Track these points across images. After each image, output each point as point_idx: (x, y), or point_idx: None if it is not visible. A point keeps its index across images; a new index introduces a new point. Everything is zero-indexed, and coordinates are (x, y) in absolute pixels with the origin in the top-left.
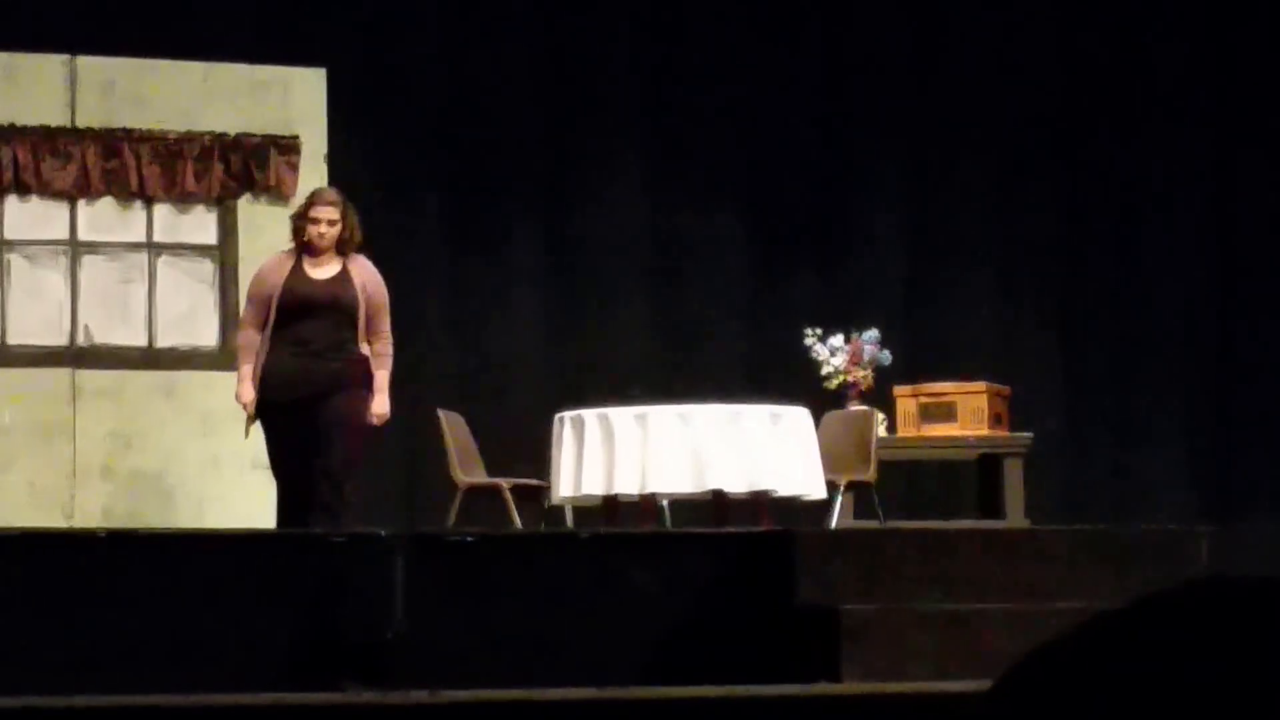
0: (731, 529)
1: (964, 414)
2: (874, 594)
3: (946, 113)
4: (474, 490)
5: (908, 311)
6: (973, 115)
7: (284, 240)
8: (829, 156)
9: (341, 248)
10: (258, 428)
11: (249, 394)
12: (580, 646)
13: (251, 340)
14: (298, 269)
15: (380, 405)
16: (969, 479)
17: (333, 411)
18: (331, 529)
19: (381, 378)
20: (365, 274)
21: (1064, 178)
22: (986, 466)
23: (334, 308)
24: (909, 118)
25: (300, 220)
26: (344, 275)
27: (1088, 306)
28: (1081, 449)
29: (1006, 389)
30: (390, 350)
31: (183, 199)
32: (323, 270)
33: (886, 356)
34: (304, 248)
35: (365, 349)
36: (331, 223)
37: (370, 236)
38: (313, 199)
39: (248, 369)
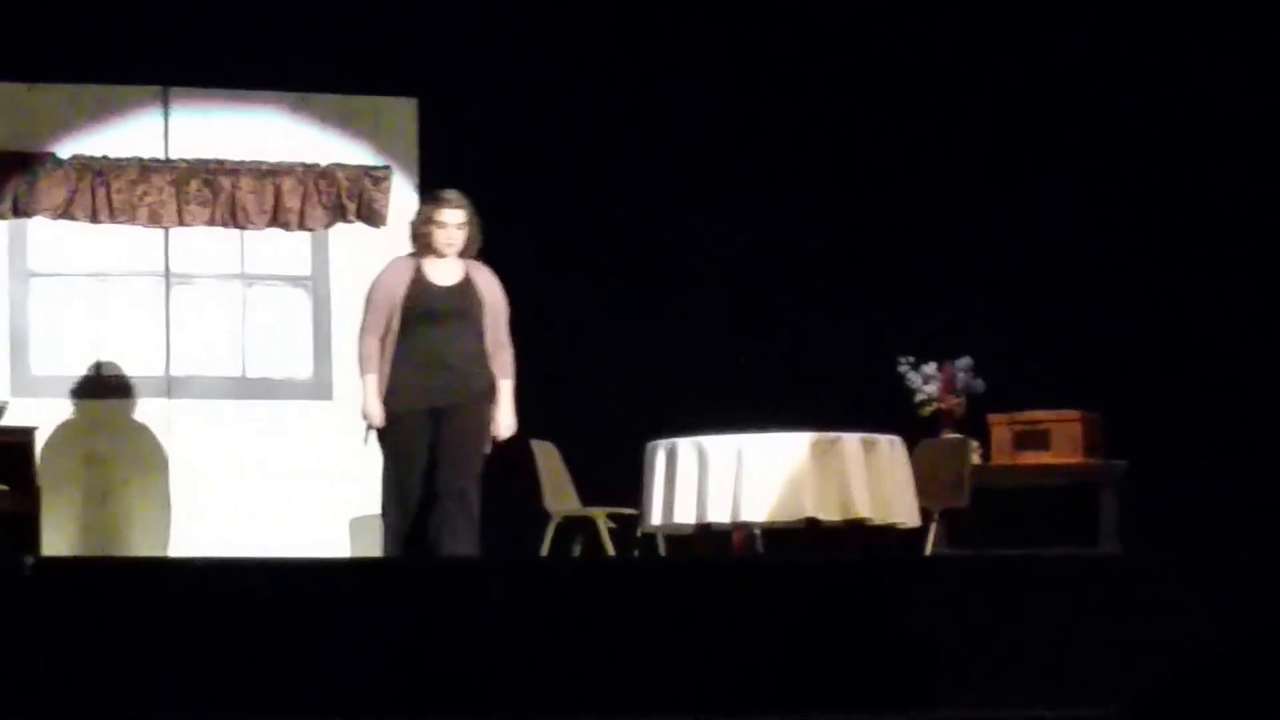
0: (825, 558)
1: (1058, 441)
2: (969, 623)
3: (1038, 142)
4: (567, 520)
5: (1001, 338)
6: (1062, 145)
7: (377, 269)
8: (920, 181)
9: (464, 253)
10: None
11: (377, 408)
12: (675, 676)
13: (374, 349)
14: (421, 276)
15: (507, 419)
16: (1064, 507)
17: (463, 426)
18: (460, 550)
19: (507, 389)
20: (488, 281)
21: (1152, 199)
22: (1082, 494)
23: (460, 316)
24: (1004, 144)
25: (425, 225)
26: (468, 282)
27: (1180, 330)
28: (1177, 475)
29: (1099, 416)
30: (512, 361)
31: (275, 229)
32: (447, 277)
33: (980, 384)
34: (424, 252)
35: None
36: (460, 227)
37: None
38: (438, 202)
39: (373, 380)
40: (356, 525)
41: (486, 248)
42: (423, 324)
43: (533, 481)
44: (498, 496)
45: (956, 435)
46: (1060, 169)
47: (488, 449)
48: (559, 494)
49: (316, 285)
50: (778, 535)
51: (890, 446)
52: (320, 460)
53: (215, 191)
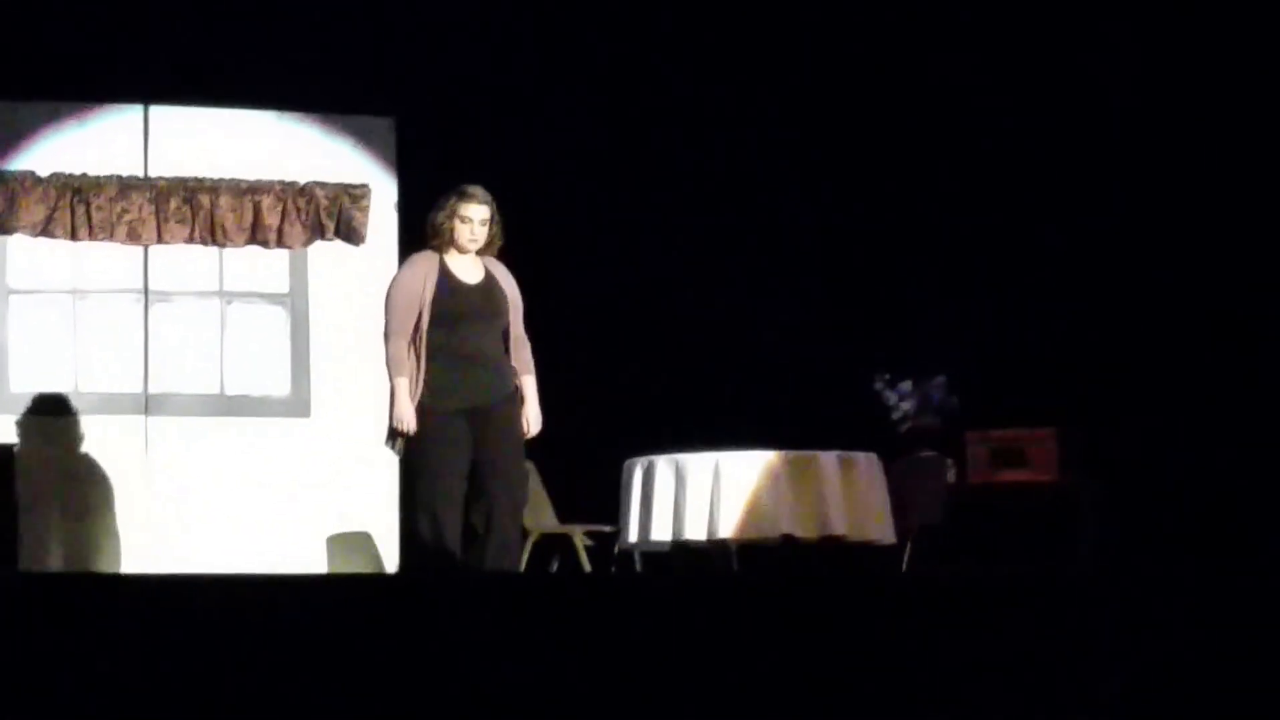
0: (801, 576)
1: (1035, 459)
2: (945, 640)
3: (1013, 161)
4: (545, 537)
5: (977, 357)
6: (1037, 163)
7: (355, 287)
8: (896, 200)
9: (483, 250)
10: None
11: (410, 411)
12: (651, 693)
13: (402, 351)
14: (447, 273)
15: (535, 415)
16: (1040, 524)
17: (507, 432)
18: (507, 563)
19: (532, 385)
20: (506, 276)
21: (1127, 217)
22: (1058, 511)
23: (488, 314)
24: (979, 164)
25: (447, 220)
26: (491, 279)
27: (1159, 347)
28: (1153, 491)
29: (1076, 433)
30: (530, 352)
31: (254, 247)
32: (470, 274)
33: (955, 401)
34: (445, 248)
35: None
36: (484, 223)
37: None
38: (463, 197)
39: (404, 383)
40: (334, 542)
41: None
42: (452, 323)
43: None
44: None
45: (932, 453)
46: (1036, 187)
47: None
48: (536, 511)
49: (295, 303)
50: (754, 553)
51: (867, 464)
52: (298, 477)
53: (194, 209)
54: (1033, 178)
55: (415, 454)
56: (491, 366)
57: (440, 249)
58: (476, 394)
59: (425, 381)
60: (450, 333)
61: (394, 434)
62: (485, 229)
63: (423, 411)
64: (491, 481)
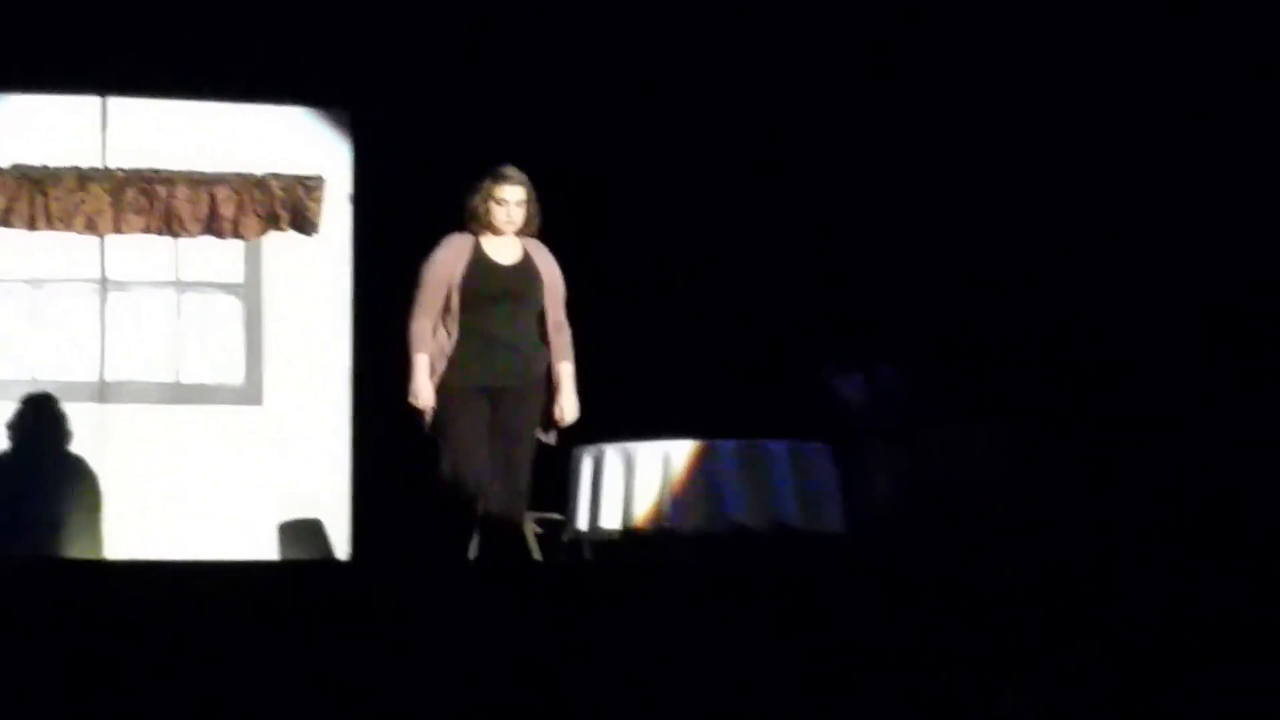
0: (752, 565)
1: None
2: (890, 627)
3: (959, 148)
4: None
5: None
6: (984, 150)
7: (309, 277)
8: (842, 188)
9: (521, 231)
10: None
11: (427, 388)
12: (598, 679)
13: (425, 330)
14: (481, 254)
15: (571, 403)
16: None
17: (523, 416)
18: (510, 549)
19: (569, 372)
20: (546, 260)
21: (1070, 211)
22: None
23: (522, 297)
24: (925, 150)
25: (485, 203)
26: (528, 261)
27: (1097, 340)
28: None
29: (1020, 425)
30: (570, 338)
31: (210, 237)
32: (505, 255)
33: (904, 392)
34: (481, 230)
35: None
36: (520, 205)
37: (397, 275)
38: (498, 179)
39: (424, 360)
40: (285, 529)
41: (419, 256)
42: (484, 304)
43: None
44: (419, 499)
45: (881, 443)
46: (981, 176)
47: (553, 440)
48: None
49: (249, 292)
50: (705, 542)
51: (817, 454)
52: (251, 464)
53: (151, 200)
54: (982, 166)
55: (437, 431)
56: (521, 349)
57: (477, 231)
58: (498, 375)
59: (450, 359)
60: (481, 314)
61: (418, 413)
62: (522, 210)
63: (444, 387)
64: (500, 468)
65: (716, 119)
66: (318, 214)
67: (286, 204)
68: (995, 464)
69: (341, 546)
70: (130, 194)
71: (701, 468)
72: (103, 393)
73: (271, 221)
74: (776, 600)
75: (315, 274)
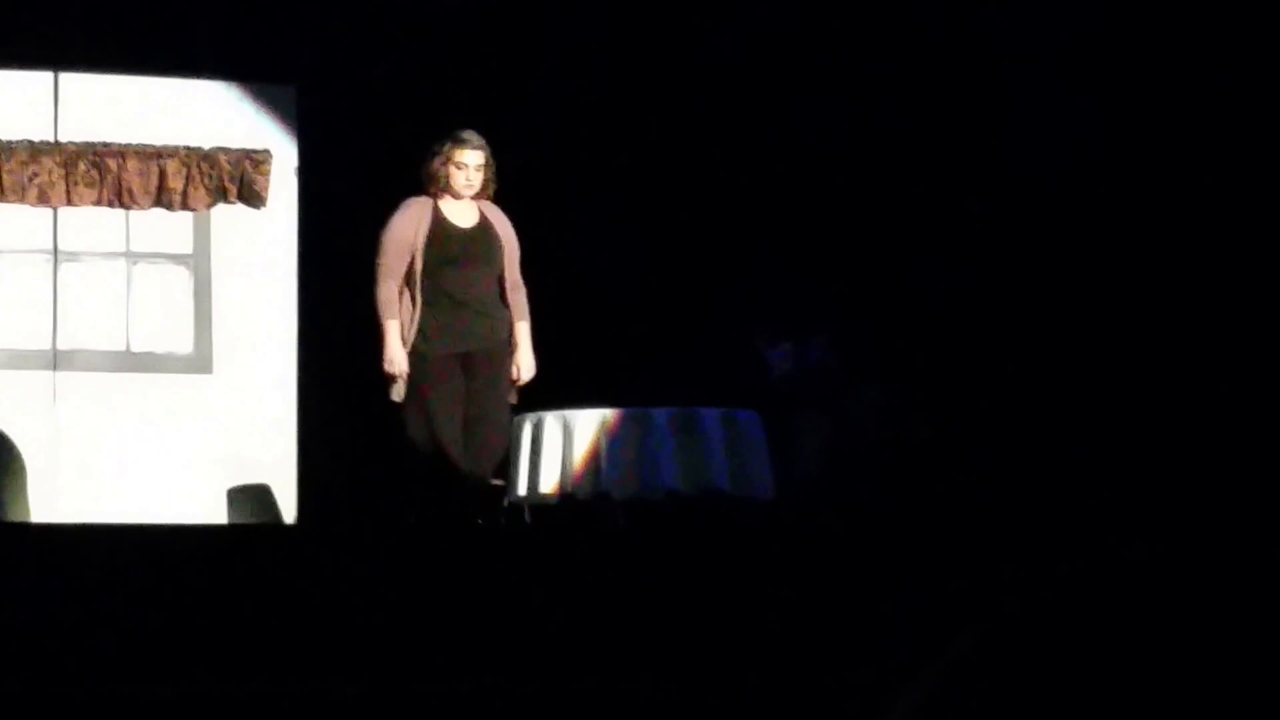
0: (684, 530)
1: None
2: (819, 593)
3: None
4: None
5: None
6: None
7: (256, 249)
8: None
9: (478, 195)
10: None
11: (400, 353)
12: (536, 642)
13: (392, 294)
14: (441, 218)
15: (528, 361)
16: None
17: (496, 380)
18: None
19: (525, 331)
20: (503, 221)
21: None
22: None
23: (482, 259)
24: (850, 126)
25: (444, 166)
26: (486, 224)
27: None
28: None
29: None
30: (526, 298)
31: (160, 209)
32: (465, 218)
33: (834, 361)
34: (440, 194)
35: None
36: (479, 169)
37: (342, 247)
38: (457, 143)
39: (395, 326)
40: (234, 494)
41: (368, 230)
42: (446, 267)
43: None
44: (364, 465)
45: (812, 410)
46: (907, 144)
47: (513, 399)
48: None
49: (198, 263)
50: (640, 507)
51: (747, 421)
52: (200, 431)
53: (102, 173)
54: (909, 134)
55: (410, 399)
56: (486, 312)
57: (435, 195)
58: (469, 339)
59: (419, 326)
60: (443, 277)
61: (389, 379)
62: (481, 174)
63: (416, 356)
64: (476, 426)
65: (656, 87)
66: (265, 187)
67: (235, 177)
68: (910, 422)
69: (289, 511)
70: (82, 167)
71: (636, 435)
72: (55, 361)
73: (220, 194)
74: (708, 564)
75: (263, 245)
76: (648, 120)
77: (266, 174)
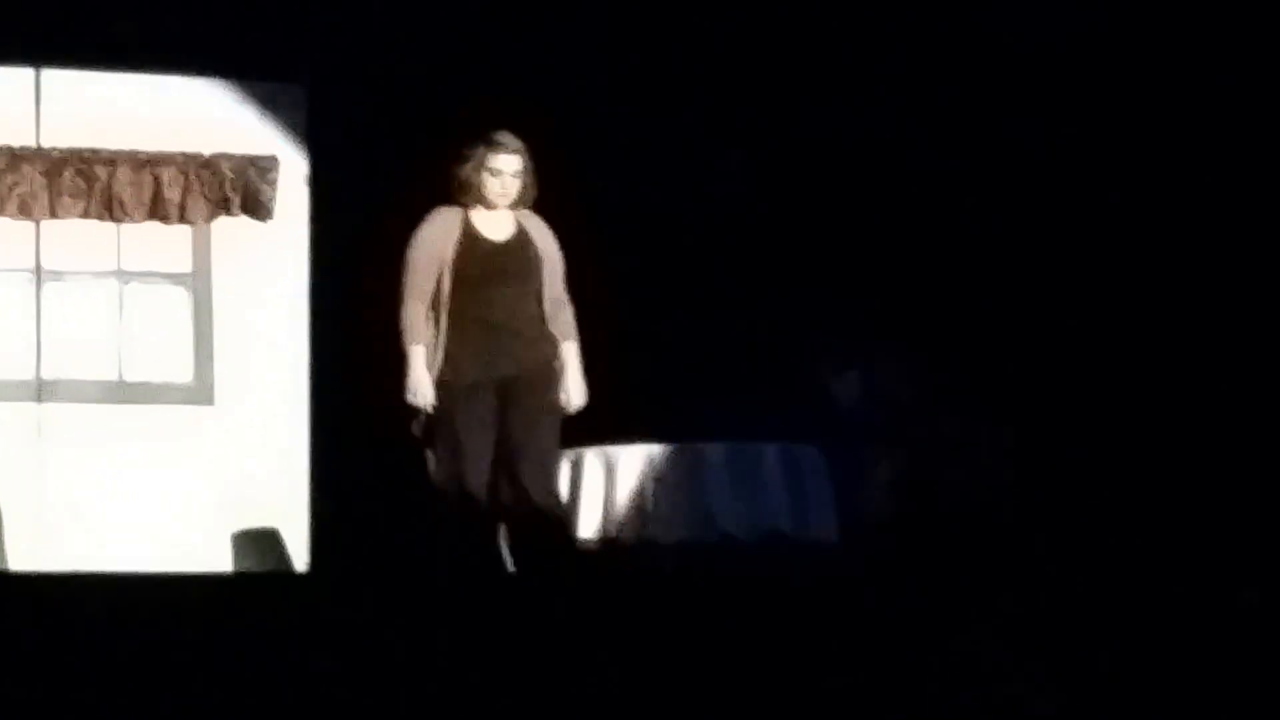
0: (739, 576)
1: None
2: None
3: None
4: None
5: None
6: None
7: (262, 266)
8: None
9: (516, 204)
10: None
11: (426, 382)
12: (577, 695)
13: (418, 317)
14: (472, 231)
15: (577, 388)
16: None
17: (537, 408)
18: (544, 550)
19: (573, 353)
20: (543, 232)
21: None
22: None
23: (519, 275)
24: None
25: (477, 173)
26: (523, 236)
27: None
28: None
29: None
30: (572, 317)
31: (154, 222)
32: (499, 230)
33: (909, 391)
34: (472, 203)
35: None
36: (516, 175)
37: (359, 264)
38: (492, 147)
39: (421, 351)
40: (239, 539)
41: (385, 243)
42: (478, 286)
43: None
44: (384, 507)
45: (881, 446)
46: (985, 166)
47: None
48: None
49: (198, 283)
50: (690, 552)
51: (810, 458)
52: (201, 469)
53: (90, 182)
54: (986, 157)
55: (434, 433)
56: (522, 334)
57: (467, 205)
58: (504, 365)
59: (446, 352)
60: (475, 297)
61: (413, 411)
62: (518, 181)
63: (443, 386)
64: (518, 465)
65: (701, 101)
66: (272, 197)
67: (237, 186)
68: (995, 465)
69: (300, 557)
70: (67, 175)
71: (686, 472)
72: (39, 392)
73: (221, 205)
74: (765, 614)
75: (270, 262)
76: (694, 124)
77: (273, 183)
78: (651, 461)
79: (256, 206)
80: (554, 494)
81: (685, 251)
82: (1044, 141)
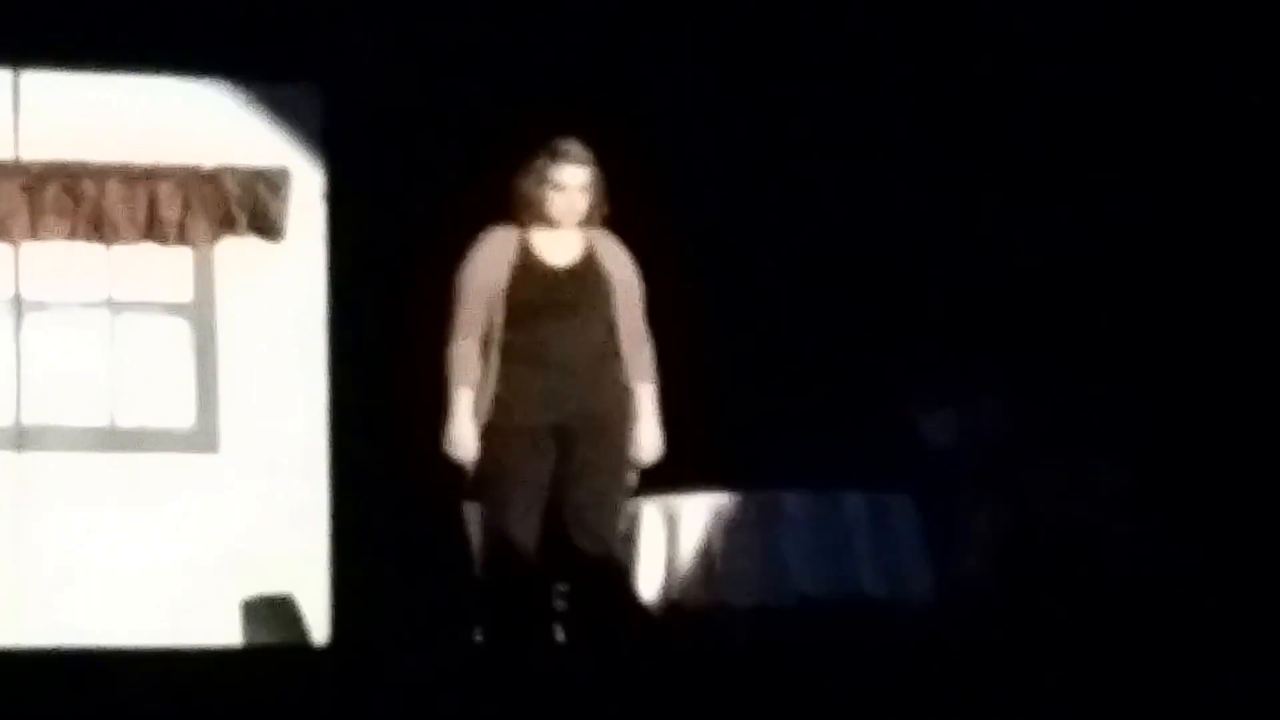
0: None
1: None
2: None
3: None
4: None
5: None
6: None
7: (273, 294)
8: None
9: (585, 222)
10: None
11: (469, 432)
12: None
13: (469, 355)
14: (530, 255)
15: (652, 438)
16: None
17: (598, 459)
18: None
19: (649, 397)
20: (617, 255)
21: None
22: None
23: (584, 306)
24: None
25: (538, 188)
26: (592, 260)
27: None
28: None
29: None
30: (652, 358)
31: (150, 244)
32: (563, 254)
33: (1010, 430)
34: (532, 222)
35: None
36: (584, 190)
37: (378, 287)
38: (556, 156)
39: (467, 395)
40: (250, 607)
41: (411, 270)
42: (535, 318)
43: (464, 554)
44: (413, 569)
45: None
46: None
47: (632, 482)
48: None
49: (200, 313)
50: (764, 617)
51: (900, 507)
52: (205, 527)
53: (76, 198)
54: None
55: (480, 484)
56: (586, 374)
57: (527, 224)
58: (563, 409)
59: (496, 393)
60: (532, 330)
61: (454, 463)
62: (586, 197)
63: (492, 430)
64: (574, 523)
65: (767, 125)
66: (283, 215)
67: (244, 203)
68: (1113, 512)
69: (319, 628)
70: (50, 191)
71: (760, 525)
72: (20, 439)
73: (226, 225)
74: (849, 689)
75: (282, 289)
76: (777, 145)
77: (285, 199)
78: (719, 513)
79: (266, 226)
80: (614, 555)
81: (763, 273)
82: (1153, 185)
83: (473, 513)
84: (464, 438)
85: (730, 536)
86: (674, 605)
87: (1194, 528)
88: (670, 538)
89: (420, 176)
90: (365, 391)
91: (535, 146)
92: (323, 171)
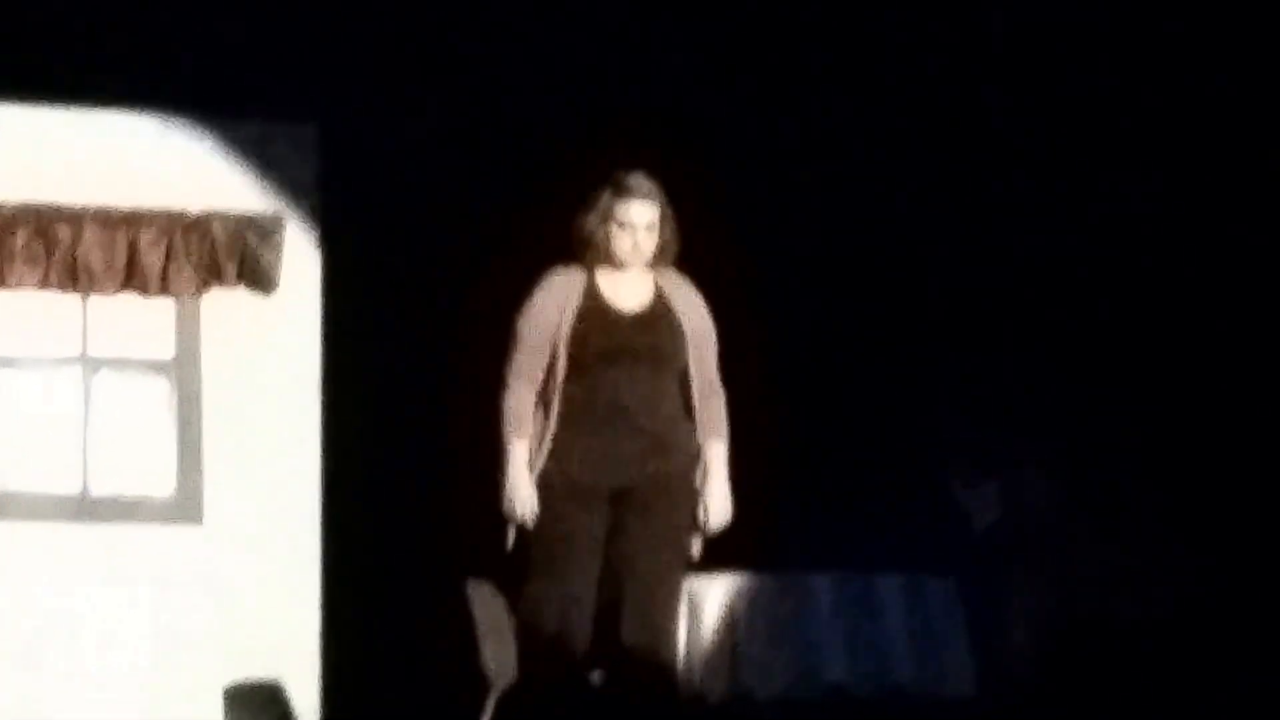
0: None
1: None
2: None
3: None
4: (515, 689)
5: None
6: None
7: (264, 350)
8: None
9: (654, 263)
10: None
11: (528, 491)
12: None
13: (526, 405)
14: (596, 298)
15: (720, 502)
16: None
17: (657, 526)
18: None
19: (719, 456)
20: (689, 299)
21: None
22: None
23: (654, 354)
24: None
25: (602, 225)
26: (662, 304)
27: None
28: None
29: None
30: (724, 411)
31: (129, 294)
32: (630, 296)
33: (1055, 504)
34: (597, 263)
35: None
36: (650, 228)
37: (378, 344)
38: (620, 191)
39: (522, 451)
40: (234, 695)
41: (411, 322)
42: (600, 366)
43: (468, 636)
44: (416, 653)
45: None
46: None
47: (696, 553)
48: (502, 653)
49: (183, 371)
50: (793, 709)
51: (940, 591)
52: (186, 604)
53: (49, 245)
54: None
55: (536, 545)
56: (655, 430)
57: (591, 264)
58: (624, 468)
59: (553, 447)
60: (596, 379)
61: (509, 521)
62: (653, 236)
63: (547, 488)
64: (629, 595)
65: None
66: (275, 264)
67: (233, 252)
68: (1167, 595)
69: (309, 716)
70: (20, 236)
71: (789, 610)
72: None
73: (212, 275)
74: None
75: (272, 346)
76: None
77: (277, 247)
78: (744, 595)
79: (256, 276)
80: (668, 636)
81: (789, 336)
82: (1218, 245)
83: (479, 592)
84: (523, 494)
85: (755, 621)
86: (696, 696)
87: (1250, 612)
88: (691, 621)
89: (422, 222)
90: (362, 459)
91: (539, 187)
92: (318, 218)
